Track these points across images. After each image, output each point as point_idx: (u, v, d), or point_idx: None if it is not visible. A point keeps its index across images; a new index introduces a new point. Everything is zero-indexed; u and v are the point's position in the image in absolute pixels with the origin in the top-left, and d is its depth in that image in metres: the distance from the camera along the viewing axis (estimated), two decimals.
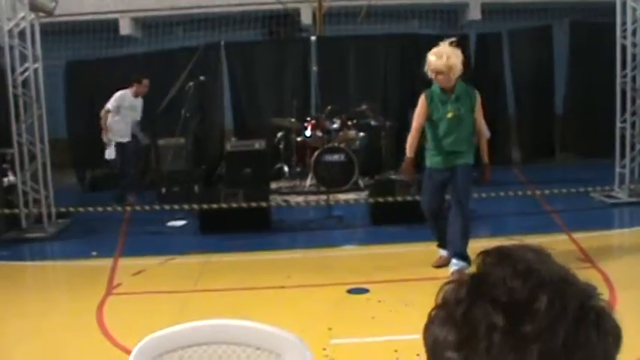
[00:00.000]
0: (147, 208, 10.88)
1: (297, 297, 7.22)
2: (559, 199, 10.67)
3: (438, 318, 1.02)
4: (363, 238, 10.04)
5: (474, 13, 14.93)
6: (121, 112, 11.53)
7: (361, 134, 12.37)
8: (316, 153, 11.73)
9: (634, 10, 10.39)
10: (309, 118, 12.53)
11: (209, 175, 13.14)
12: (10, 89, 10.09)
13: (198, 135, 13.18)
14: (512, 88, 14.31)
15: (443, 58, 7.03)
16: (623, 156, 10.76)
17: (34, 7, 10.24)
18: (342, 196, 11.34)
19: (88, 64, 13.90)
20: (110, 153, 11.58)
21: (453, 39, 7.29)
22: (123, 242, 9.71)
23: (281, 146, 12.64)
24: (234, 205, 9.70)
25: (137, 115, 11.88)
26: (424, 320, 1.06)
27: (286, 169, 12.62)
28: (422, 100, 7.40)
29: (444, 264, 7.67)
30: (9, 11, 10.02)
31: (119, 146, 11.59)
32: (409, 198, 9.66)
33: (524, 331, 0.94)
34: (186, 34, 15.31)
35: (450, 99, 7.25)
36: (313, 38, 14.10)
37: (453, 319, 0.99)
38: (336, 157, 11.74)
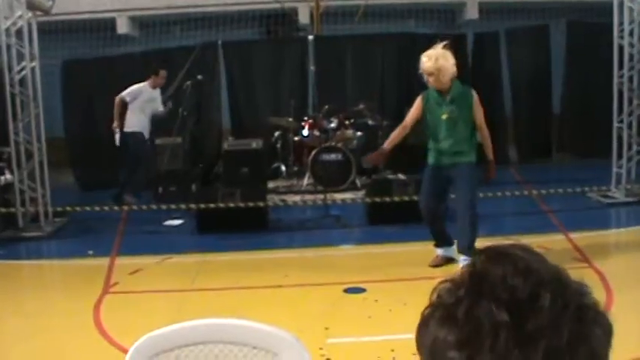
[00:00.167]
0: (144, 207, 10.87)
1: (294, 296, 7.22)
2: (556, 198, 10.68)
3: (434, 318, 1.01)
4: (360, 237, 10.04)
5: (472, 13, 14.93)
6: (139, 105, 11.42)
7: (358, 134, 12.37)
8: (313, 152, 11.73)
9: (631, 10, 10.40)
10: (306, 118, 12.53)
11: (206, 175, 13.12)
12: (8, 88, 10.08)
13: (196, 134, 13.16)
14: (509, 88, 14.32)
15: (432, 60, 7.18)
16: (620, 156, 10.78)
17: (31, 6, 10.23)
18: (339, 196, 11.33)
19: (86, 62, 13.88)
20: (118, 139, 11.54)
21: (445, 41, 7.36)
22: (120, 241, 9.71)
23: (278, 145, 12.63)
24: (232, 204, 9.70)
25: (157, 106, 11.80)
26: None
27: (283, 168, 12.61)
28: (417, 101, 7.54)
29: (440, 263, 7.69)
30: (6, 10, 10.01)
31: (134, 137, 11.49)
32: (406, 198, 9.68)
33: (529, 328, 0.94)
34: (184, 33, 15.29)
35: (445, 101, 7.31)
36: (311, 38, 14.09)
37: (453, 318, 0.98)
38: (333, 157, 11.74)
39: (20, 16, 10.06)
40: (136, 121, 11.44)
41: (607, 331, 1.01)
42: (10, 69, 10.12)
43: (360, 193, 11.21)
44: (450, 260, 7.71)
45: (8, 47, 10.05)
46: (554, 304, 0.96)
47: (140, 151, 11.59)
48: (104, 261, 8.64)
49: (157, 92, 11.75)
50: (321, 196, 10.97)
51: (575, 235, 8.77)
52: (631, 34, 10.48)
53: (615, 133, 10.82)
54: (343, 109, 12.54)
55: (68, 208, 10.90)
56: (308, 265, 8.41)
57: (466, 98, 7.37)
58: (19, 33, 10.12)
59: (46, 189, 10.56)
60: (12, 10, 10.05)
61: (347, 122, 12.37)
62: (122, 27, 14.86)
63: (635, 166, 10.75)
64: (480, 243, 8.17)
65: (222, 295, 7.39)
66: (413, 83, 13.78)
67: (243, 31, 15.17)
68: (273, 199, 11.24)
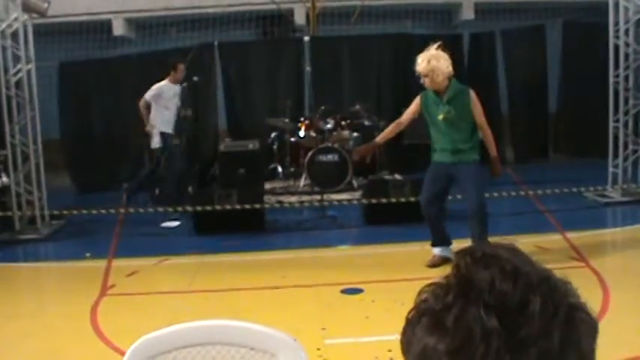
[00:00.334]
0: (141, 210, 10.86)
1: (292, 297, 7.22)
2: (552, 198, 10.69)
3: (422, 324, 0.99)
4: (356, 238, 10.05)
5: (468, 13, 14.96)
6: (164, 103, 11.24)
7: (355, 134, 12.37)
8: (310, 153, 11.73)
9: (627, 9, 10.41)
10: (302, 119, 12.53)
11: (203, 176, 13.12)
12: (3, 90, 10.07)
13: (192, 136, 13.16)
14: (505, 88, 14.33)
15: (424, 61, 7.27)
16: (616, 155, 10.79)
17: (26, 8, 10.22)
18: (335, 196, 11.34)
19: (82, 64, 13.87)
20: (155, 142, 11.40)
21: (439, 42, 7.41)
22: (117, 243, 9.70)
23: (275, 146, 12.63)
24: (228, 206, 9.70)
25: (179, 101, 11.63)
26: None
27: (280, 169, 12.61)
28: (416, 100, 7.62)
29: (437, 263, 7.69)
30: (1, 12, 10.01)
31: (164, 136, 11.22)
32: (402, 199, 9.69)
33: (521, 335, 0.93)
34: (180, 34, 15.29)
35: (441, 101, 7.36)
36: (307, 38, 14.10)
37: (442, 325, 0.96)
38: (329, 157, 11.74)
39: (16, 19, 10.06)
40: (160, 121, 11.20)
41: (593, 329, 1.01)
42: (5, 71, 10.11)
43: (357, 194, 11.22)
44: (447, 260, 7.71)
45: (4, 49, 10.05)
46: (545, 309, 0.95)
47: (169, 153, 11.23)
48: (101, 263, 8.64)
49: (178, 88, 11.52)
50: (318, 197, 10.98)
51: (571, 235, 8.79)
52: (626, 33, 10.50)
53: (611, 133, 10.83)
54: (340, 110, 12.56)
55: (65, 212, 10.90)
56: (305, 265, 8.41)
57: (463, 97, 7.40)
58: (14, 35, 10.11)
59: (42, 191, 10.55)
60: (7, 12, 10.04)
61: (343, 123, 12.38)
62: (118, 29, 14.86)
63: (632, 165, 10.77)
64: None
65: (220, 296, 7.38)
66: (409, 84, 13.82)
67: (239, 32, 15.17)
68: (270, 200, 11.24)
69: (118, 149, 13.60)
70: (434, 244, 7.85)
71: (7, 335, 6.54)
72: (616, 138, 10.80)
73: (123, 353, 2.51)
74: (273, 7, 14.63)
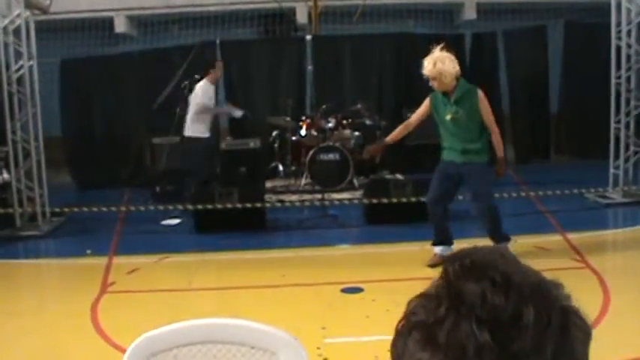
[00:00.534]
0: (142, 208, 10.87)
1: (292, 296, 7.23)
2: (553, 199, 10.68)
3: (414, 338, 0.97)
4: (357, 237, 10.05)
5: (469, 13, 14.95)
6: (210, 104, 10.96)
7: (356, 133, 12.37)
8: (311, 152, 11.73)
9: (629, 10, 10.41)
10: (304, 117, 12.52)
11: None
12: (5, 87, 10.08)
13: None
14: (507, 88, 14.32)
15: (431, 64, 7.29)
16: (617, 157, 10.79)
17: (29, 5, 10.22)
18: (336, 195, 11.34)
19: (83, 61, 13.88)
20: (238, 112, 11.33)
21: (442, 43, 7.50)
22: (117, 240, 9.70)
23: (276, 145, 12.62)
24: (229, 204, 9.70)
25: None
26: None
27: (281, 168, 12.61)
28: (426, 102, 7.69)
29: (438, 263, 7.68)
30: (4, 8, 10.01)
31: (196, 142, 10.80)
32: (404, 198, 9.69)
33: (514, 349, 0.91)
34: (182, 32, 15.28)
35: (449, 102, 7.40)
36: (309, 37, 14.10)
37: (434, 341, 0.94)
38: (331, 156, 11.74)
39: (18, 15, 10.06)
40: (197, 125, 10.74)
41: (587, 334, 1.00)
42: (7, 68, 10.11)
43: (358, 193, 11.22)
44: None
45: (6, 46, 10.05)
46: (538, 321, 0.93)
47: (199, 157, 10.85)
48: (102, 260, 8.64)
49: (213, 88, 11.22)
50: (319, 196, 10.98)
51: (572, 236, 8.79)
52: (629, 34, 10.49)
53: (613, 134, 10.83)
54: (341, 109, 12.55)
55: (66, 209, 10.91)
56: (305, 264, 8.41)
57: (470, 97, 7.42)
58: (16, 32, 10.11)
59: (43, 188, 10.56)
60: (10, 8, 10.04)
61: (345, 122, 12.38)
62: (120, 26, 14.85)
63: (633, 167, 10.76)
64: (478, 244, 8.20)
65: (220, 294, 7.39)
66: (411, 83, 13.85)
67: (241, 31, 15.17)
68: (270, 198, 11.24)
69: (119, 147, 13.60)
70: (435, 243, 7.85)
71: (7, 332, 6.54)
72: (617, 139, 10.79)
73: (123, 351, 2.51)
74: (275, 5, 14.63)
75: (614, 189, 10.81)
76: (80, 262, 8.90)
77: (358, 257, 8.82)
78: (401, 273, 7.52)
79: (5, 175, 10.21)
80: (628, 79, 10.60)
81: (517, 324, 0.92)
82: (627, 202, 10.53)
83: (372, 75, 14.03)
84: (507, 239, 7.78)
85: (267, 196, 10.85)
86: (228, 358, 2.43)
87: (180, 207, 10.49)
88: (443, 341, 0.93)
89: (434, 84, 7.39)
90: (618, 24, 10.53)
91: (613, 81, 10.66)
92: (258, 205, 9.88)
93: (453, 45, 12.79)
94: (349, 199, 11.06)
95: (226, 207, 9.68)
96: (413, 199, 9.66)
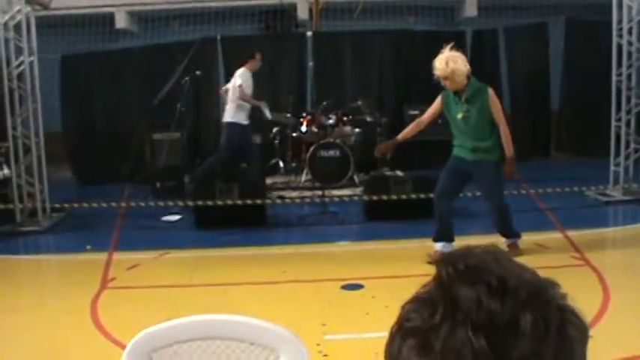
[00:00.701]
0: (142, 204, 10.87)
1: (292, 292, 7.23)
2: (554, 197, 10.68)
3: (409, 345, 0.96)
4: (357, 234, 10.05)
5: (470, 10, 14.93)
6: (248, 91, 11.22)
7: (357, 130, 12.36)
8: (311, 148, 11.72)
9: (630, 8, 10.40)
10: (304, 114, 12.52)
11: None
12: (6, 82, 10.07)
13: (194, 129, 13.18)
14: (507, 86, 14.31)
15: (443, 63, 7.28)
16: (617, 154, 10.79)
17: (29, 1, 10.22)
18: (337, 192, 11.34)
19: (84, 57, 13.87)
20: (268, 113, 11.36)
21: (452, 43, 7.50)
22: (117, 236, 9.71)
23: (276, 141, 12.62)
24: (229, 201, 9.70)
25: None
26: None
27: (282, 164, 12.61)
28: (437, 100, 7.72)
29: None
30: (4, 4, 10.00)
31: (231, 127, 11.16)
32: (404, 195, 9.70)
33: (512, 356, 0.90)
34: (183, 28, 15.27)
35: (460, 100, 7.44)
36: (309, 33, 14.10)
37: (430, 348, 0.93)
38: (331, 153, 11.73)
39: (19, 11, 10.05)
40: (234, 112, 11.11)
41: (584, 334, 0.99)
42: (8, 63, 10.11)
43: (358, 190, 11.22)
44: None
45: (6, 42, 10.04)
46: (536, 326, 0.92)
47: (235, 143, 11.21)
48: (102, 256, 8.64)
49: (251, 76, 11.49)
50: (319, 193, 10.98)
51: (572, 234, 8.79)
52: (630, 32, 10.48)
53: (613, 132, 10.83)
54: (341, 106, 12.55)
55: (66, 205, 10.91)
56: (306, 261, 8.42)
57: (481, 96, 7.45)
58: (17, 27, 10.11)
59: (43, 184, 10.56)
60: (10, 4, 10.04)
61: (345, 119, 12.37)
62: (121, 22, 14.84)
63: (633, 164, 10.75)
64: (478, 241, 8.20)
65: (220, 290, 7.39)
66: (411, 80, 13.86)
67: (241, 27, 15.15)
68: (271, 195, 11.24)
69: (119, 142, 13.60)
70: (436, 239, 7.86)
71: (7, 328, 6.54)
72: (618, 137, 10.79)
73: (123, 346, 2.51)
74: (276, 1, 14.62)
75: (615, 187, 10.81)
76: (80, 257, 8.91)
77: (358, 254, 8.83)
78: (401, 270, 7.51)
79: (5, 171, 10.21)
80: (629, 76, 10.59)
81: (514, 329, 0.91)
82: (627, 199, 10.53)
83: (373, 72, 14.03)
84: (518, 236, 7.91)
85: (267, 193, 10.85)
86: (228, 355, 2.43)
87: (180, 203, 10.49)
88: (438, 348, 0.92)
89: (446, 83, 7.39)
90: (619, 21, 10.52)
91: (614, 78, 10.65)
92: (259, 201, 9.88)
93: (454, 42, 12.76)
94: (349, 196, 11.06)
95: (227, 203, 9.69)
96: (413, 196, 9.67)
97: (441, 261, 1.01)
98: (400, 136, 8.08)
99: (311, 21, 14.74)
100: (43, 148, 10.56)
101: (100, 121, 13.87)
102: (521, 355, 0.90)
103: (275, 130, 12.62)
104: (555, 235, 8.84)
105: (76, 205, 10.91)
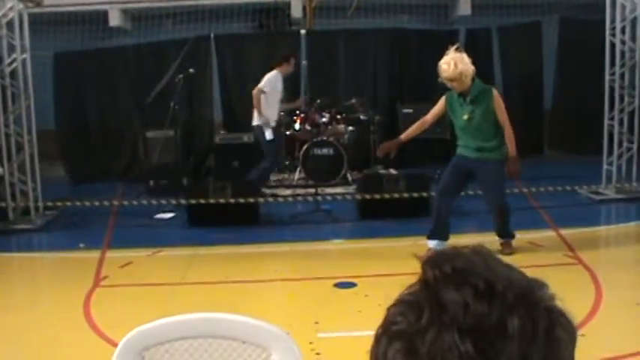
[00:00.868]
0: (134, 203, 10.85)
1: (285, 291, 7.24)
2: (547, 195, 10.70)
3: (395, 349, 0.94)
4: (350, 232, 10.05)
5: (464, 9, 14.93)
6: (277, 96, 11.26)
7: (350, 128, 12.36)
8: (305, 146, 11.72)
9: (623, 7, 10.42)
10: (298, 112, 12.51)
11: (198, 168, 13.13)
12: None
13: (187, 128, 13.16)
14: (501, 84, 14.28)
15: (451, 65, 7.30)
16: (610, 153, 10.80)
17: None
18: (330, 190, 11.34)
19: (77, 55, 13.84)
20: (270, 134, 11.21)
21: (457, 44, 7.63)
22: (110, 234, 9.69)
23: None
24: (222, 200, 9.69)
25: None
26: None
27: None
28: (441, 101, 7.77)
29: None
30: None
31: (274, 130, 11.24)
32: (396, 195, 9.70)
33: (499, 359, 0.89)
34: (176, 26, 15.24)
35: (465, 102, 7.48)
36: (303, 32, 14.08)
37: (416, 352, 0.92)
38: (324, 151, 11.72)
39: (11, 8, 10.02)
40: (271, 114, 11.16)
41: (573, 335, 0.97)
42: (0, 61, 10.08)
43: (351, 188, 11.22)
44: None
45: None
46: (524, 330, 0.90)
47: (277, 145, 11.34)
48: (95, 254, 8.63)
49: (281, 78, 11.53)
50: (313, 191, 10.97)
51: (565, 232, 8.81)
52: (623, 31, 10.50)
53: (606, 131, 10.84)
54: (335, 104, 12.54)
55: (59, 204, 10.88)
56: (298, 259, 8.41)
57: (485, 97, 7.51)
58: (10, 24, 10.08)
59: (36, 182, 10.53)
60: (3, 1, 10.01)
61: (339, 117, 12.36)
62: (114, 19, 14.80)
63: (626, 163, 10.77)
64: (471, 240, 8.22)
65: (213, 289, 7.38)
66: (405, 78, 13.87)
67: (235, 25, 15.14)
68: (264, 193, 11.22)
69: (112, 140, 13.59)
70: (431, 237, 7.87)
71: None
72: (611, 135, 10.81)
73: (115, 344, 2.51)
74: (270, 0, 14.61)
75: (608, 185, 10.83)
76: (73, 255, 8.89)
77: (351, 252, 8.83)
78: (394, 268, 7.49)
79: None
80: (622, 75, 10.61)
81: (501, 333, 0.90)
82: (620, 198, 10.55)
83: (367, 70, 14.02)
84: (512, 236, 7.98)
85: (260, 191, 10.84)
86: (220, 353, 2.43)
87: (173, 202, 10.47)
88: (424, 352, 0.91)
89: (453, 85, 7.41)
90: (612, 20, 10.54)
91: (607, 77, 10.66)
92: (252, 200, 9.87)
93: (447, 41, 12.78)
94: (343, 194, 11.06)
95: (219, 201, 9.68)
96: (405, 195, 9.68)
97: (427, 262, 0.99)
98: (403, 136, 8.09)
99: (305, 19, 14.73)
100: (35, 145, 10.53)
101: (93, 119, 13.85)
102: (509, 359, 0.89)
103: None
104: (548, 234, 8.86)
105: (68, 203, 10.88)
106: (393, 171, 11.20)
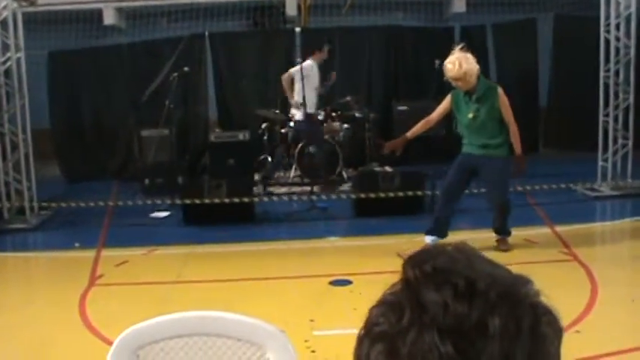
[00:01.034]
0: (129, 203, 10.83)
1: (280, 288, 7.23)
2: (542, 192, 10.70)
3: (377, 350, 0.94)
4: (346, 229, 10.05)
5: (459, 6, 14.93)
6: (312, 83, 11.39)
7: (345, 126, 12.34)
8: (300, 144, 11.71)
9: (618, 4, 10.43)
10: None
11: (193, 166, 13.11)
12: None
13: (182, 126, 13.15)
14: (495, 82, 14.31)
15: (456, 65, 7.36)
16: (605, 150, 10.82)
17: None
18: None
19: (72, 54, 13.82)
20: (300, 115, 11.38)
21: (462, 44, 7.68)
22: (106, 233, 9.68)
23: (265, 137, 12.60)
24: (218, 197, 9.68)
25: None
26: None
27: (270, 160, 12.59)
28: (446, 99, 7.82)
29: None
30: None
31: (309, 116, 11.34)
32: (392, 191, 9.70)
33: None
34: (171, 24, 15.22)
35: (470, 100, 7.55)
36: (298, 30, 14.07)
37: (397, 353, 0.91)
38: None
39: (5, 7, 10.00)
40: (308, 97, 11.24)
41: (558, 331, 0.96)
42: None
43: (347, 186, 11.22)
44: None
45: None
46: (506, 329, 0.90)
47: (311, 130, 11.43)
48: (90, 253, 8.62)
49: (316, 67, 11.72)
50: (308, 189, 10.96)
51: (561, 229, 8.82)
52: (617, 28, 10.52)
53: (601, 127, 10.85)
54: (330, 102, 12.54)
55: (53, 205, 10.86)
56: (294, 257, 8.41)
57: (491, 95, 7.57)
58: (4, 23, 10.05)
59: (31, 181, 10.51)
60: None
61: (334, 114, 12.35)
62: (109, 18, 14.76)
63: (621, 159, 10.79)
64: (466, 236, 8.23)
65: (208, 287, 7.38)
66: (400, 76, 13.87)
67: (230, 23, 15.12)
68: (259, 191, 11.22)
69: (107, 139, 13.57)
70: (429, 233, 7.88)
71: None
72: (606, 132, 10.82)
73: (111, 343, 2.50)
74: None
75: (603, 182, 10.84)
76: (68, 254, 8.88)
77: (347, 250, 8.83)
78: (390, 265, 7.47)
79: None
80: (617, 72, 10.63)
81: (482, 333, 0.89)
82: (615, 195, 10.56)
83: (361, 68, 14.02)
84: (509, 234, 8.03)
85: (255, 189, 10.84)
86: (215, 351, 2.42)
87: (168, 201, 10.46)
88: (405, 353, 0.90)
89: (458, 84, 7.47)
90: (607, 17, 10.55)
91: (602, 74, 10.68)
92: (246, 200, 9.86)
93: (442, 38, 12.79)
94: (338, 192, 11.06)
95: (214, 200, 9.67)
96: (400, 195, 9.68)
97: (408, 262, 0.99)
98: (409, 134, 8.11)
99: (299, 17, 14.72)
100: (30, 144, 10.51)
101: (88, 118, 13.83)
102: (491, 358, 0.88)
103: (264, 126, 12.60)
104: (544, 230, 8.87)
105: (63, 204, 10.85)
106: (388, 168, 11.19)
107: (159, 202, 10.51)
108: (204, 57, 13.85)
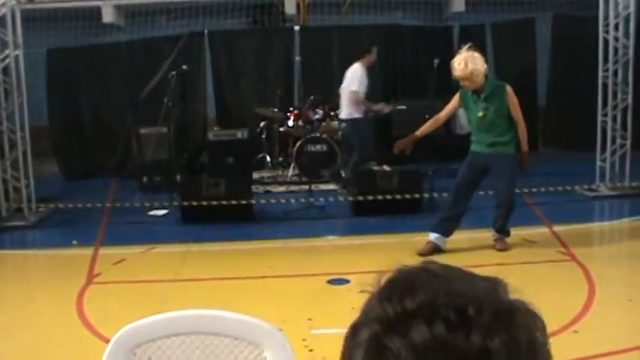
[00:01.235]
0: (127, 204, 10.82)
1: (278, 287, 7.23)
2: (541, 192, 10.70)
3: None
4: (344, 228, 10.04)
5: (458, 5, 14.92)
6: (363, 88, 11.32)
7: (344, 125, 12.34)
8: (299, 143, 11.72)
9: (617, 3, 10.43)
10: (291, 108, 12.51)
11: (191, 165, 13.10)
12: None
13: (181, 124, 13.14)
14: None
15: (462, 64, 7.41)
16: (604, 150, 10.81)
17: None
18: (323, 187, 11.34)
19: (70, 51, 13.80)
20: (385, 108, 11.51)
21: (470, 43, 7.72)
22: (104, 231, 9.67)
23: (263, 136, 12.61)
24: (216, 198, 9.67)
25: None
26: None
27: (269, 158, 12.60)
28: (455, 98, 7.87)
29: (428, 252, 7.68)
30: None
31: (354, 123, 11.29)
32: (390, 190, 9.70)
33: None
34: (170, 22, 15.20)
35: (479, 99, 7.59)
36: (297, 28, 14.07)
37: None
38: (318, 148, 11.73)
39: (4, 4, 9.98)
40: (352, 109, 11.22)
41: (538, 320, 0.95)
42: None
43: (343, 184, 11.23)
44: (438, 250, 7.76)
45: None
46: (507, 348, 0.88)
47: (361, 137, 11.34)
48: (88, 251, 8.61)
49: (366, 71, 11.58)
50: (306, 187, 10.96)
51: (559, 229, 8.82)
52: (616, 27, 10.51)
53: (600, 127, 10.85)
54: (329, 100, 12.53)
55: (51, 205, 10.85)
56: (292, 255, 8.41)
57: (499, 94, 7.63)
58: (2, 21, 10.04)
59: (29, 179, 10.49)
60: None
61: (332, 113, 12.35)
62: (107, 16, 14.74)
63: (620, 159, 10.78)
64: (465, 235, 8.23)
65: (206, 285, 7.38)
66: (399, 75, 13.86)
67: (229, 21, 15.10)
68: (257, 189, 11.22)
69: (106, 137, 13.56)
70: (434, 230, 7.90)
71: None
72: (604, 132, 10.82)
73: (108, 341, 2.49)
74: None
75: (601, 182, 10.83)
76: (66, 252, 8.87)
77: (345, 248, 8.82)
78: (388, 264, 7.50)
79: None
80: (615, 72, 10.62)
81: (488, 357, 0.87)
82: (614, 194, 10.57)
83: None
84: (508, 234, 8.06)
85: (254, 187, 10.83)
86: (212, 350, 2.42)
87: (165, 203, 10.44)
88: None
89: (465, 83, 7.53)
90: (606, 17, 10.55)
91: (600, 74, 10.67)
92: (244, 202, 9.85)
93: (441, 37, 12.77)
94: (336, 191, 11.05)
95: (213, 196, 9.66)
96: (398, 197, 9.68)
97: (382, 299, 0.96)
98: (418, 132, 8.14)
99: (298, 15, 14.71)
100: (29, 142, 10.49)
101: (87, 116, 13.81)
102: None
103: (262, 124, 12.60)
104: (542, 230, 8.87)
105: (61, 205, 10.82)
106: (386, 167, 11.19)
107: (156, 202, 10.49)
108: (203, 55, 13.84)
